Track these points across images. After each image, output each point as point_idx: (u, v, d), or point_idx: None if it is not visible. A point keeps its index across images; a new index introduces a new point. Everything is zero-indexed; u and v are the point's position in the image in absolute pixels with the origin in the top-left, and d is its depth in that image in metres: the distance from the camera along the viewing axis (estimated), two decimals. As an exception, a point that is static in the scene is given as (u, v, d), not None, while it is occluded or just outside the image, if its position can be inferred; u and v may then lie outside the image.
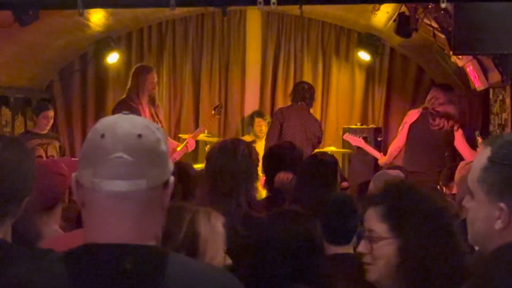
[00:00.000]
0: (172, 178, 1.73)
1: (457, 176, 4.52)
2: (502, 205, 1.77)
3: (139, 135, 1.64)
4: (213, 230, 2.40)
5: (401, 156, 7.48)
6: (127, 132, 1.63)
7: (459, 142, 7.32)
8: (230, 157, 3.90)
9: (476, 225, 1.85)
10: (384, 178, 4.61)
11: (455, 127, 7.28)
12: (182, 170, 4.41)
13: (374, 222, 2.36)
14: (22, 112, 8.50)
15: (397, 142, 7.49)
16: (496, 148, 1.81)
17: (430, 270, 2.20)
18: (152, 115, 7.34)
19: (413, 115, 7.39)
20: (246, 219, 3.72)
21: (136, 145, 1.63)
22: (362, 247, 2.38)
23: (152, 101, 7.49)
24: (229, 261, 2.54)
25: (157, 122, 7.23)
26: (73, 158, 6.35)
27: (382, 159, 7.59)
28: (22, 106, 8.51)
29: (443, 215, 2.34)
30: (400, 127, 7.53)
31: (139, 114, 6.92)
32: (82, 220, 1.70)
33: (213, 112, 8.53)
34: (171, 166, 1.73)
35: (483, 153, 1.83)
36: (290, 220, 2.94)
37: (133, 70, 7.70)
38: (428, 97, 7.38)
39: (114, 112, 7.26)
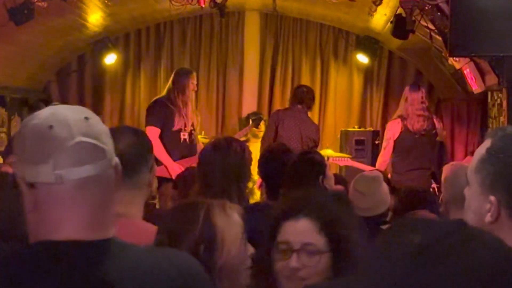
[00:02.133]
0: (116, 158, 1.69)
1: (442, 177, 4.51)
2: (492, 198, 1.75)
3: (86, 118, 1.61)
4: (229, 220, 2.38)
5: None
6: (74, 117, 1.59)
7: (440, 135, 7.50)
8: (222, 155, 3.88)
9: (469, 215, 1.84)
10: (364, 180, 4.61)
11: (437, 125, 7.36)
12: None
13: (312, 234, 2.23)
14: (19, 113, 8.48)
15: (383, 157, 7.52)
16: (496, 140, 1.80)
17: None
18: (182, 118, 7.27)
19: (394, 129, 7.39)
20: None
21: (88, 127, 1.59)
22: (294, 262, 2.22)
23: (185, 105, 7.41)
24: (251, 249, 2.52)
25: (186, 125, 7.19)
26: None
27: None
28: (19, 106, 8.49)
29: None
30: (385, 143, 7.54)
31: (172, 114, 6.95)
32: (31, 224, 1.62)
33: (250, 122, 8.66)
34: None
35: (484, 144, 1.82)
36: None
37: (174, 72, 7.63)
38: (401, 101, 7.41)
39: (149, 109, 7.26)
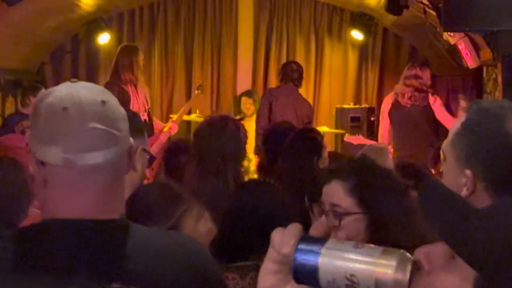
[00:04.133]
0: (132, 141, 1.68)
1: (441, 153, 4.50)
2: (467, 172, 1.76)
3: (103, 102, 1.58)
4: (195, 232, 2.38)
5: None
6: (90, 100, 1.57)
7: (440, 113, 7.31)
8: (218, 134, 3.88)
9: None
10: (372, 152, 4.60)
11: (431, 100, 7.29)
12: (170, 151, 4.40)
13: (340, 196, 2.27)
14: (13, 94, 8.44)
15: (381, 130, 7.59)
16: (471, 114, 1.80)
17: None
18: (145, 98, 7.23)
19: (387, 102, 7.45)
20: (233, 197, 3.70)
21: (103, 113, 1.57)
22: (323, 223, 2.25)
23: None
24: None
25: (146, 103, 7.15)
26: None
27: None
28: (13, 88, 8.45)
29: (406, 193, 2.30)
30: (380, 116, 7.63)
31: (129, 96, 6.87)
32: (40, 199, 1.63)
33: (196, 91, 8.34)
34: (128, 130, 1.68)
35: (460, 118, 1.82)
36: (260, 190, 2.93)
37: (118, 50, 7.39)
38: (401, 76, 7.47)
39: None
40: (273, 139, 4.79)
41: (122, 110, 1.63)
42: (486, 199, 1.76)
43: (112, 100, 1.62)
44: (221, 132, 3.86)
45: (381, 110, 7.57)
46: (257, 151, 6.92)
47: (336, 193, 2.28)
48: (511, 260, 0.96)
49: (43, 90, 7.59)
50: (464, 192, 1.77)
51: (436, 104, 7.32)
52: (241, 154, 3.96)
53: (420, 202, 1.10)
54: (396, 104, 7.29)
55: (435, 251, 1.09)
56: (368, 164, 2.40)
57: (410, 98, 7.22)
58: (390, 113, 7.37)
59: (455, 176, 1.79)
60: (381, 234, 2.18)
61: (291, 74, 7.72)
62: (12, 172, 3.09)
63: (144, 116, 6.88)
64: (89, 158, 1.55)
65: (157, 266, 1.58)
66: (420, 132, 7.31)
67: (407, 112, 7.24)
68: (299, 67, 7.94)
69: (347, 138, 8.12)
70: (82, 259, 1.52)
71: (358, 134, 8.18)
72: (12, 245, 1.54)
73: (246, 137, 4.03)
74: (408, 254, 1.07)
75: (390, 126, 7.44)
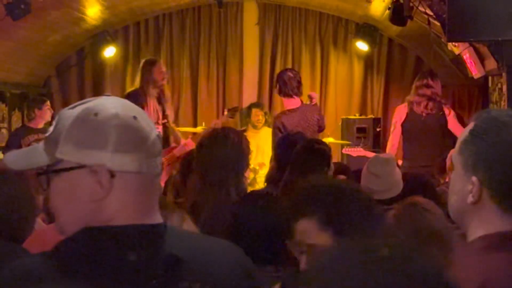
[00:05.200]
0: None
1: (448, 162, 4.50)
2: (474, 178, 1.75)
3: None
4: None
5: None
6: (139, 110, 1.66)
7: (453, 124, 7.27)
8: (220, 145, 3.87)
9: (452, 198, 1.84)
10: (379, 163, 4.58)
11: (446, 111, 7.26)
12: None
13: (314, 234, 2.13)
14: (20, 108, 8.48)
15: (391, 141, 7.45)
16: (479, 122, 1.79)
17: None
18: (156, 111, 7.25)
19: (401, 112, 7.35)
20: (235, 208, 3.69)
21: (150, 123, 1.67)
22: (303, 264, 2.14)
23: (158, 96, 7.35)
24: None
25: (165, 117, 7.19)
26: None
27: None
28: (19, 101, 8.49)
29: (379, 212, 2.25)
30: (392, 127, 7.48)
31: (144, 108, 6.89)
32: (81, 211, 1.59)
33: (225, 113, 8.07)
34: None
35: (468, 127, 1.81)
36: (262, 202, 2.92)
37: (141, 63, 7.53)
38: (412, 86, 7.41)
39: None
40: (284, 149, 4.77)
41: None
42: (492, 208, 1.75)
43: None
44: (223, 143, 3.86)
45: (394, 121, 7.45)
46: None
47: (310, 231, 2.16)
48: None
49: (48, 103, 7.64)
50: (470, 199, 1.76)
51: (451, 115, 7.30)
52: (244, 165, 3.95)
53: None
54: (411, 114, 7.23)
55: None
56: (336, 189, 2.26)
57: (426, 106, 7.17)
58: (404, 123, 7.30)
59: (462, 183, 1.78)
60: None
61: (290, 84, 7.37)
62: (17, 185, 3.08)
63: (158, 129, 6.88)
64: (154, 164, 1.61)
65: (212, 266, 1.63)
66: (434, 142, 7.28)
67: (422, 121, 7.19)
68: (296, 73, 7.38)
69: (346, 150, 8.05)
70: (134, 265, 1.54)
71: (358, 146, 8.09)
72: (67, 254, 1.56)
73: (248, 148, 4.01)
74: None
75: (401, 136, 7.37)
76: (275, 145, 5.08)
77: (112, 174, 1.56)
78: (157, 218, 1.63)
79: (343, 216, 2.14)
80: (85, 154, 1.56)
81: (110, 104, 1.61)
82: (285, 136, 5.51)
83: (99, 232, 1.57)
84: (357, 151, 7.86)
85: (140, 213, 1.60)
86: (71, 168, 1.57)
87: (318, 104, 9.30)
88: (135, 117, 1.59)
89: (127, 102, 1.67)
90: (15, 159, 1.68)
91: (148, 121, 1.63)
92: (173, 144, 7.21)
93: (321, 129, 7.31)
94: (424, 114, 7.19)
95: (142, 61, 7.65)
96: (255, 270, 1.77)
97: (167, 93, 7.51)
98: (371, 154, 7.73)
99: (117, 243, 1.55)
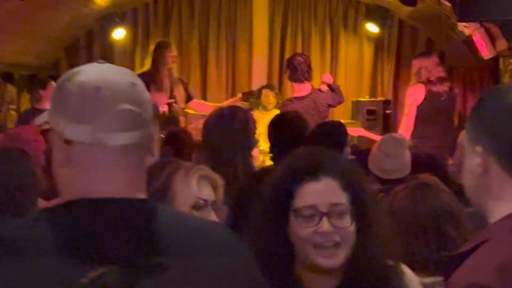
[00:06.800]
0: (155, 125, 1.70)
1: (458, 141, 4.48)
2: (478, 148, 1.72)
3: (133, 84, 1.59)
4: (186, 185, 2.38)
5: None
6: (121, 81, 1.58)
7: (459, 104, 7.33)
8: (227, 124, 3.87)
9: (466, 177, 1.80)
10: (393, 142, 4.55)
11: (456, 90, 7.27)
12: (172, 134, 4.40)
13: (340, 193, 2.08)
14: (28, 89, 8.47)
15: (406, 124, 7.26)
16: (482, 96, 1.78)
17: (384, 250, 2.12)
18: (170, 90, 7.34)
19: (417, 94, 7.19)
20: (243, 187, 3.67)
21: (134, 94, 1.58)
22: (326, 226, 2.05)
23: (170, 76, 7.45)
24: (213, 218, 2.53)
25: (172, 97, 7.25)
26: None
27: None
28: (28, 83, 8.48)
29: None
30: (406, 109, 7.32)
31: (151, 90, 6.96)
32: (61, 179, 1.61)
33: (239, 95, 8.08)
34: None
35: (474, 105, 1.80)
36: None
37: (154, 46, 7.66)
38: (414, 70, 7.28)
39: None
40: (280, 127, 4.74)
41: (147, 93, 1.65)
42: (501, 174, 1.70)
43: (140, 83, 1.62)
44: (230, 122, 3.85)
45: (409, 102, 7.27)
46: None
47: (335, 190, 2.09)
48: None
49: (52, 83, 7.62)
50: (478, 171, 1.72)
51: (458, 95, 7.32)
52: (251, 143, 3.94)
53: None
54: (431, 95, 7.11)
55: None
56: (350, 162, 2.29)
57: (445, 88, 7.11)
58: (421, 104, 7.14)
59: (470, 158, 1.75)
60: (370, 237, 2.08)
61: (301, 69, 7.30)
62: (20, 163, 3.09)
63: (163, 108, 7.09)
64: (120, 139, 1.56)
65: (196, 247, 1.58)
66: (449, 122, 7.26)
67: (442, 102, 7.13)
68: (306, 58, 7.52)
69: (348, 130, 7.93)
70: (116, 239, 1.52)
71: (358, 129, 7.92)
72: (47, 223, 1.53)
73: (255, 127, 4.00)
74: None
75: (417, 118, 7.25)
76: (270, 124, 4.93)
77: (67, 141, 1.56)
78: (140, 195, 1.60)
79: (358, 188, 2.11)
80: (53, 118, 1.59)
81: (87, 72, 1.60)
82: (281, 114, 5.49)
83: (74, 203, 1.56)
84: (358, 131, 7.79)
85: (117, 188, 1.57)
86: (50, 129, 1.62)
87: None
88: (98, 88, 1.55)
89: (112, 71, 1.61)
90: (42, 117, 1.71)
91: (118, 93, 1.55)
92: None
93: (334, 104, 7.45)
94: (444, 94, 7.12)
95: (155, 42, 7.75)
96: (248, 254, 1.70)
97: (175, 74, 7.55)
98: (371, 135, 7.70)
99: (89, 216, 1.54)
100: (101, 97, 1.55)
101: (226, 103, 7.52)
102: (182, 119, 7.65)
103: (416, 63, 7.32)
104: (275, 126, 4.74)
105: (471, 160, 1.75)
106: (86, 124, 1.55)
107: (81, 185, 1.58)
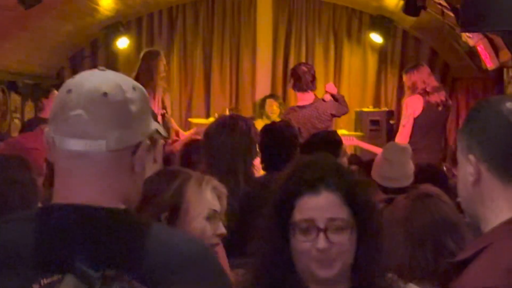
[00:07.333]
0: (147, 142, 1.65)
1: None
2: (470, 157, 1.73)
3: (105, 94, 1.57)
4: (200, 195, 2.40)
5: None
6: (93, 89, 1.57)
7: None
8: (228, 133, 3.86)
9: (459, 188, 1.81)
10: (395, 149, 4.54)
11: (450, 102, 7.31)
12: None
13: (338, 207, 2.03)
14: (32, 98, 8.48)
15: (403, 135, 7.15)
16: (474, 106, 1.79)
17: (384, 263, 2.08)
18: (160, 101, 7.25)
19: (415, 105, 7.13)
20: (245, 196, 3.67)
21: (98, 104, 1.56)
22: (322, 242, 1.99)
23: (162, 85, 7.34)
24: (222, 230, 2.53)
25: (164, 108, 7.16)
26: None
27: None
28: (32, 92, 8.49)
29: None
30: (404, 120, 7.24)
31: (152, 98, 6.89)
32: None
33: (227, 112, 8.04)
34: (148, 129, 1.66)
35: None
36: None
37: (141, 55, 7.50)
38: (408, 84, 7.22)
39: None
40: (270, 137, 4.69)
41: (129, 108, 1.60)
42: (493, 181, 1.72)
43: (119, 96, 1.59)
44: (231, 131, 3.85)
45: (407, 113, 7.22)
46: None
47: (334, 205, 2.04)
48: None
49: (55, 92, 7.62)
50: (470, 180, 1.73)
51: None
52: (252, 152, 3.94)
53: None
54: (428, 106, 7.10)
55: None
56: (351, 173, 2.21)
57: (441, 98, 7.11)
58: (419, 117, 7.13)
59: (463, 168, 1.77)
60: (370, 248, 2.05)
61: (304, 77, 7.31)
62: (20, 171, 3.09)
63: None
64: (69, 144, 1.56)
65: (158, 261, 1.54)
66: (441, 134, 7.27)
67: (439, 114, 7.13)
68: (310, 67, 7.56)
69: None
70: (73, 248, 1.51)
71: (351, 138, 7.86)
72: (33, 225, 1.55)
73: (256, 136, 4.00)
74: None
75: (413, 129, 7.23)
76: (261, 133, 4.86)
77: (48, 140, 1.61)
78: (109, 203, 1.58)
79: (359, 200, 2.07)
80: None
81: (77, 76, 1.64)
82: (271, 124, 5.43)
83: (50, 208, 1.60)
84: (350, 140, 7.73)
85: (79, 194, 1.58)
86: None
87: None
88: (69, 90, 1.57)
89: (100, 78, 1.62)
90: None
91: (81, 99, 1.55)
92: (174, 138, 7.14)
93: (338, 114, 7.43)
94: (441, 104, 7.12)
95: (144, 51, 7.46)
96: (216, 268, 1.65)
97: (165, 84, 7.39)
98: (364, 144, 7.69)
99: (51, 222, 1.55)
100: (67, 100, 1.57)
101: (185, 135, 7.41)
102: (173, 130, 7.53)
103: (409, 77, 7.23)
104: (265, 135, 4.71)
105: (464, 169, 1.76)
106: (50, 124, 1.59)
107: (58, 188, 1.61)
